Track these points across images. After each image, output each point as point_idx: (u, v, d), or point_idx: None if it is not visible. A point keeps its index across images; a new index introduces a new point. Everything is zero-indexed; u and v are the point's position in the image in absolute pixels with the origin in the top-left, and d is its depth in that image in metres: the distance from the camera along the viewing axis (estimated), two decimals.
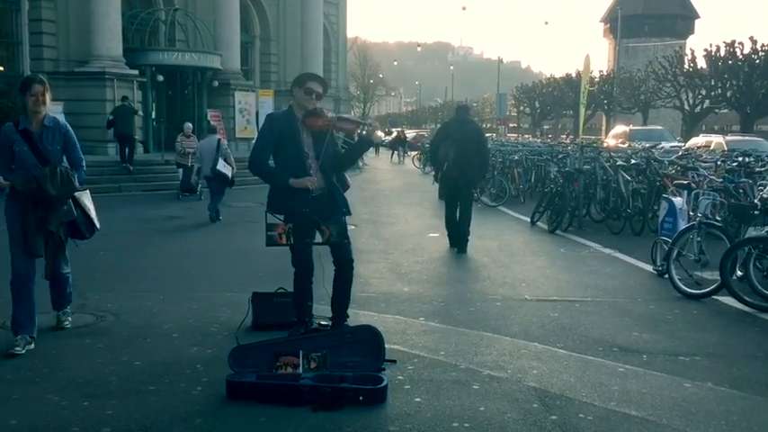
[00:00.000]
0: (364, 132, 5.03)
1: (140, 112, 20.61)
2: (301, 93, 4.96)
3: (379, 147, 34.60)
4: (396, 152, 35.89)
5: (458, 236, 9.55)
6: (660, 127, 34.46)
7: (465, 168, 9.37)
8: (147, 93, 22.22)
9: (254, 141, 5.50)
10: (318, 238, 5.04)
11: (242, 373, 4.21)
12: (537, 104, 59.91)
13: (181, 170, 16.63)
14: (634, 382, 4.48)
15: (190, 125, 17.08)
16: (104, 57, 20.36)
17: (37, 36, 20.58)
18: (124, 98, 19.62)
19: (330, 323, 5.39)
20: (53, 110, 18.67)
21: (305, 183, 4.84)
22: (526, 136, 48.74)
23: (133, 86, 21.10)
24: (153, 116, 22.40)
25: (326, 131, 4.90)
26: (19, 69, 20.73)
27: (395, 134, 33.63)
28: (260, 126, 21.54)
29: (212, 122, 18.84)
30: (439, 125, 19.32)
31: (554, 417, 3.89)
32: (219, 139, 12.74)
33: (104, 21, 20.28)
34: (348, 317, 5.22)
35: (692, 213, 7.86)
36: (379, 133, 5.17)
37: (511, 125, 59.49)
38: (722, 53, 34.69)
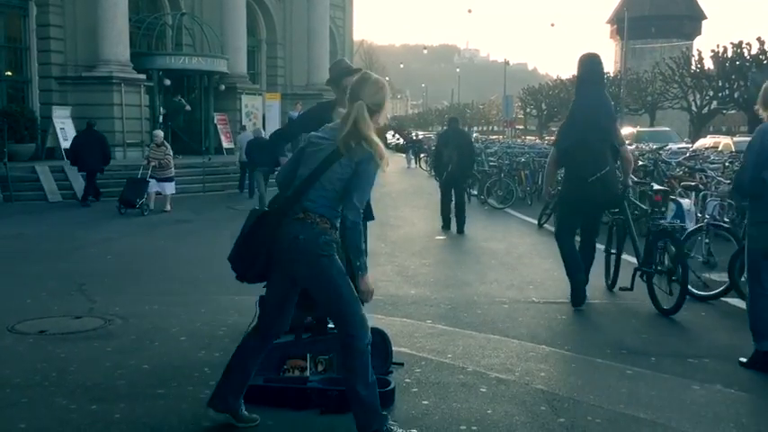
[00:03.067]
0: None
1: (188, 107, 22.97)
2: (340, 92, 4.70)
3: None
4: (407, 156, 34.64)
5: (452, 220, 11.74)
6: (667, 128, 34.37)
7: (459, 165, 11.67)
8: (154, 97, 22.30)
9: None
10: None
11: None
12: (543, 106, 59.81)
13: (126, 181, 14.36)
14: (642, 385, 4.46)
15: (160, 133, 14.66)
16: (112, 61, 20.44)
17: (45, 41, 20.67)
18: (175, 95, 22.89)
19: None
20: (59, 114, 18.72)
21: None
22: (529, 138, 48.58)
23: (140, 91, 21.17)
24: (160, 120, 22.47)
25: None
26: (27, 74, 20.84)
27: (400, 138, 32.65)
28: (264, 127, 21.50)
29: (243, 123, 22.68)
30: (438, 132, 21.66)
31: (562, 419, 3.88)
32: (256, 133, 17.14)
33: (111, 25, 20.36)
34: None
35: (699, 215, 7.84)
36: None
37: (518, 127, 59.43)
38: (729, 54, 34.57)
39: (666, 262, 6.39)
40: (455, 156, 11.60)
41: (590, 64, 6.66)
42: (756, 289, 4.90)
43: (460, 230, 11.46)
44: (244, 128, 20.89)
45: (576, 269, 6.57)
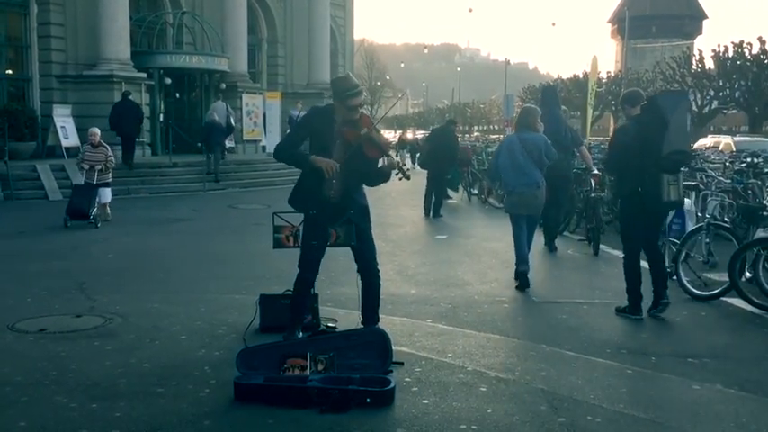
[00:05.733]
0: (385, 163, 4.94)
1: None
2: (344, 110, 4.85)
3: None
4: (400, 155, 34.22)
5: (432, 206, 13.54)
6: None
7: (440, 160, 13.81)
8: (154, 95, 22.27)
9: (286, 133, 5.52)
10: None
11: (249, 374, 4.22)
12: None
13: (72, 189, 12.78)
14: (642, 384, 4.47)
15: (97, 131, 12.36)
16: (112, 60, 20.41)
17: (45, 39, 20.63)
18: (182, 94, 24.14)
19: (336, 325, 5.42)
20: (60, 113, 18.71)
21: (324, 162, 4.73)
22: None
23: (141, 89, 21.14)
24: (161, 119, 22.44)
25: (353, 145, 4.84)
26: (28, 73, 20.82)
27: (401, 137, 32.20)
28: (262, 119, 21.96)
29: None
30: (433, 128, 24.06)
31: (562, 419, 3.88)
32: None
33: (112, 24, 20.33)
34: (378, 320, 5.16)
35: (700, 215, 7.83)
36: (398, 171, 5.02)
37: None
38: (730, 53, 34.54)
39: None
40: (439, 153, 13.83)
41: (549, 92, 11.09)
42: (516, 231, 7.45)
43: (433, 215, 13.33)
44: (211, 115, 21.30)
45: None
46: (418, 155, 30.98)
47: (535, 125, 7.60)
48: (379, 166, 4.98)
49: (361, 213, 5.02)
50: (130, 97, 18.64)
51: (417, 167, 26.44)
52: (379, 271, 5.12)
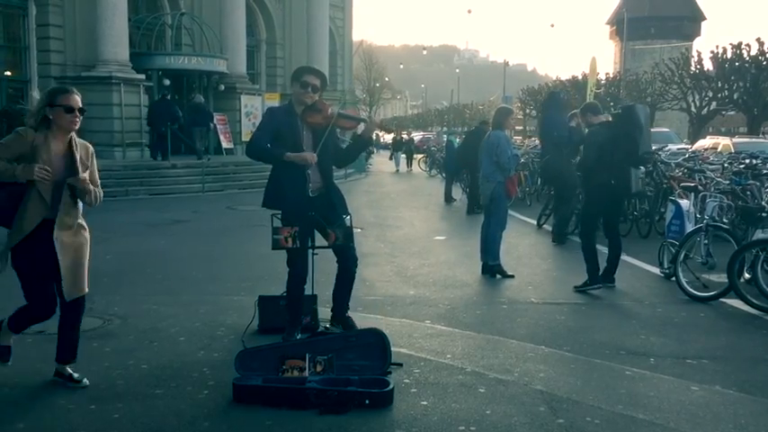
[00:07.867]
0: (362, 128, 5.03)
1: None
2: (297, 86, 4.95)
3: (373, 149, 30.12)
4: (395, 158, 31.85)
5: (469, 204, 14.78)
6: (667, 129, 34.36)
7: (474, 161, 14.72)
8: (153, 97, 22.28)
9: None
10: (323, 242, 5.05)
11: (248, 376, 4.22)
12: None
13: None
14: (641, 386, 4.47)
15: None
16: (111, 61, 20.42)
17: (44, 41, 20.66)
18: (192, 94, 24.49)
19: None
20: None
21: (303, 156, 4.78)
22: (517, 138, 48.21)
23: (140, 91, 21.16)
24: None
25: (325, 128, 4.87)
26: (26, 74, 20.83)
27: (396, 136, 31.45)
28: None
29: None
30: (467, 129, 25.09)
31: (561, 420, 3.88)
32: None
33: (111, 25, 20.35)
34: (348, 308, 5.26)
35: (699, 216, 7.84)
36: (376, 131, 5.17)
37: (517, 128, 59.29)
38: (729, 55, 34.49)
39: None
40: (472, 153, 14.98)
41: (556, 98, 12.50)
42: (489, 219, 8.21)
43: (472, 210, 14.24)
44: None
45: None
46: (423, 157, 30.73)
47: (503, 124, 8.32)
48: (359, 134, 5.06)
49: (342, 200, 5.10)
50: (168, 97, 20.70)
51: (430, 171, 26.37)
52: (357, 258, 5.19)
